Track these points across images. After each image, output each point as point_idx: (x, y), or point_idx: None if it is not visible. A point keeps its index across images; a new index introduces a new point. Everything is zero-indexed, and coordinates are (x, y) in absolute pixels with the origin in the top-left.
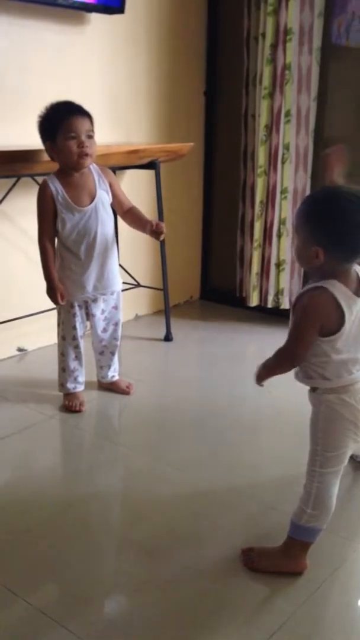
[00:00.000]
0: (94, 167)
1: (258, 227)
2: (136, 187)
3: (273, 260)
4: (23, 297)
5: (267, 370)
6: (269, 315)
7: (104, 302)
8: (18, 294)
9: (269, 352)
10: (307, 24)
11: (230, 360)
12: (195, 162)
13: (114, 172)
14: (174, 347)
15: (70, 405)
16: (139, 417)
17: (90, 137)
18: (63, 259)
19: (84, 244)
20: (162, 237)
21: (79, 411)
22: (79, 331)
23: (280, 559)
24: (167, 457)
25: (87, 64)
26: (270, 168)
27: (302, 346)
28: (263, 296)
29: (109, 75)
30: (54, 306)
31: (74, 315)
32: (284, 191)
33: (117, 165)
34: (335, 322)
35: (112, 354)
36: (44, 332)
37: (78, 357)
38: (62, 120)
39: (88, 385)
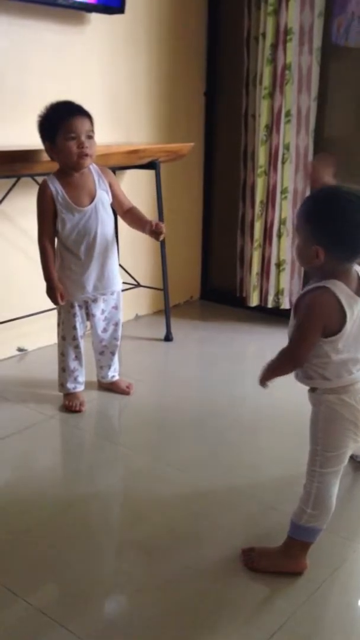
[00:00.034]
0: (93, 167)
1: (258, 227)
2: (136, 187)
3: (273, 260)
4: (23, 297)
5: (271, 371)
6: (269, 315)
7: (104, 302)
8: (18, 294)
9: (269, 352)
10: (308, 24)
11: (231, 360)
12: (195, 162)
13: (114, 172)
14: (174, 347)
15: (70, 405)
16: (139, 417)
17: (90, 137)
18: (63, 259)
19: (84, 244)
20: (161, 238)
21: (79, 411)
22: (79, 331)
23: (280, 559)
24: (167, 457)
25: (87, 64)
26: (270, 168)
27: (306, 347)
28: (263, 296)
29: (109, 75)
30: (54, 306)
31: (74, 315)
32: (284, 191)
33: (117, 165)
34: (336, 321)
35: (112, 354)
36: (44, 332)
37: (78, 357)
38: (62, 121)
39: (88, 385)
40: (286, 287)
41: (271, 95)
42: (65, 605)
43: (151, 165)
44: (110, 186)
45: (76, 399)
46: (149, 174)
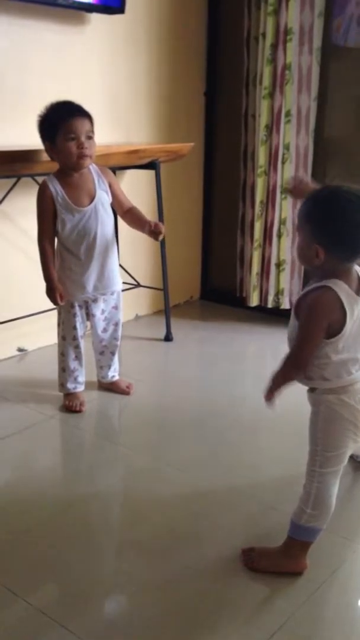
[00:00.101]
0: (93, 168)
1: (258, 227)
2: (136, 187)
3: (273, 260)
4: (23, 297)
5: (276, 382)
6: (269, 315)
7: (104, 302)
8: (18, 294)
9: (269, 352)
10: (308, 24)
11: (231, 360)
12: (195, 162)
13: (114, 172)
14: (174, 347)
15: (70, 405)
16: (139, 417)
17: (90, 137)
18: (63, 259)
19: (83, 244)
20: (160, 238)
21: (79, 411)
22: (79, 331)
23: (280, 559)
24: (167, 457)
25: (87, 64)
26: (270, 168)
27: (310, 347)
28: (263, 296)
29: (109, 75)
30: (54, 306)
31: (74, 315)
32: (284, 191)
33: (117, 165)
34: (338, 321)
35: (112, 354)
36: (44, 332)
37: (78, 357)
38: (62, 121)
39: (88, 385)
40: (286, 287)
41: (271, 95)
42: (65, 605)
43: (151, 166)
44: (110, 186)
45: (76, 399)
46: (149, 174)
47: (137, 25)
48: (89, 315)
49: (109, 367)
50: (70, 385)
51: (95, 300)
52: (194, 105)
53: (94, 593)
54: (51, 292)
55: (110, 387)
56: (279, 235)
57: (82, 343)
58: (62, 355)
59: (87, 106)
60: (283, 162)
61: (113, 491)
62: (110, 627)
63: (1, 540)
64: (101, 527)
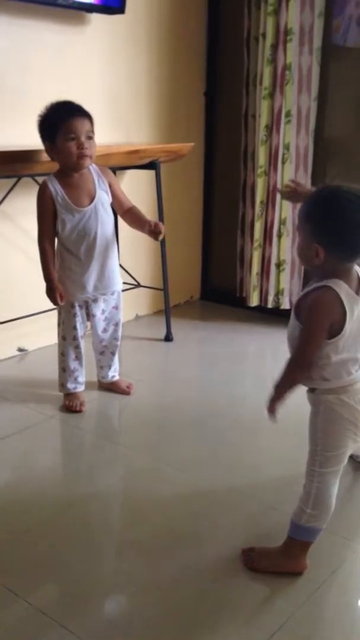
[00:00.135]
0: (93, 168)
1: (258, 227)
2: (136, 187)
3: (273, 261)
4: (23, 297)
5: (279, 389)
6: (269, 315)
7: (104, 302)
8: (18, 294)
9: (269, 352)
10: (308, 24)
11: (231, 361)
12: (195, 162)
13: (114, 172)
14: (174, 347)
15: (70, 405)
16: (139, 417)
17: (90, 138)
18: (63, 259)
19: (84, 244)
20: (160, 237)
21: (79, 411)
22: (80, 331)
23: (280, 559)
24: (167, 457)
25: (87, 64)
26: (270, 168)
27: (314, 348)
28: (263, 296)
29: (109, 75)
30: (54, 306)
31: (75, 315)
32: (280, 194)
33: (118, 165)
34: (338, 321)
35: (113, 354)
36: (44, 332)
37: (78, 357)
38: (62, 121)
39: (88, 385)
40: (286, 287)
41: (271, 95)
42: (65, 605)
43: (151, 166)
44: (110, 186)
45: (76, 399)
46: (149, 174)
47: (137, 25)
48: (89, 316)
49: (109, 367)
50: (70, 385)
51: (95, 300)
52: (194, 106)
53: (94, 593)
54: (51, 292)
55: (111, 387)
56: (279, 235)
57: (83, 343)
58: (63, 355)
59: (87, 106)
60: (283, 162)
61: (113, 491)
62: (110, 627)
63: (1, 540)
64: (101, 527)
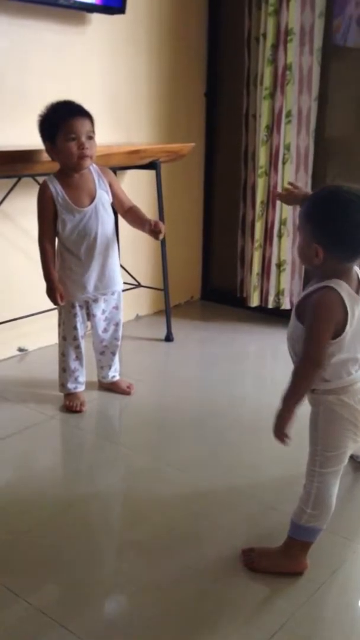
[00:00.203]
0: (93, 168)
1: (259, 227)
2: (137, 187)
3: (274, 261)
4: (24, 297)
5: (287, 401)
6: (270, 315)
7: (104, 302)
8: (19, 294)
9: (269, 352)
10: (308, 24)
11: (231, 361)
12: (196, 163)
13: (115, 173)
14: (175, 347)
15: (70, 405)
16: (139, 417)
17: (91, 138)
18: (64, 259)
19: (84, 244)
20: (160, 237)
21: (80, 411)
22: (80, 331)
23: (280, 559)
24: (167, 457)
25: (87, 64)
26: (271, 168)
27: (321, 349)
28: (264, 296)
29: (109, 75)
30: (55, 306)
31: (75, 315)
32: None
33: (118, 165)
34: (340, 322)
35: (113, 354)
36: (44, 332)
37: (79, 357)
38: (62, 121)
39: (89, 385)
40: (287, 287)
41: (272, 95)
42: (65, 605)
43: (152, 166)
44: (111, 186)
45: (77, 399)
46: (149, 174)
47: (137, 25)
48: (89, 316)
49: (110, 367)
50: (70, 386)
51: (95, 300)
52: (195, 106)
53: (94, 593)
54: (51, 292)
55: (111, 387)
56: (280, 236)
57: (83, 343)
58: (63, 356)
59: (87, 106)
60: (284, 163)
61: (113, 491)
62: (110, 627)
63: (1, 540)
64: (101, 527)
